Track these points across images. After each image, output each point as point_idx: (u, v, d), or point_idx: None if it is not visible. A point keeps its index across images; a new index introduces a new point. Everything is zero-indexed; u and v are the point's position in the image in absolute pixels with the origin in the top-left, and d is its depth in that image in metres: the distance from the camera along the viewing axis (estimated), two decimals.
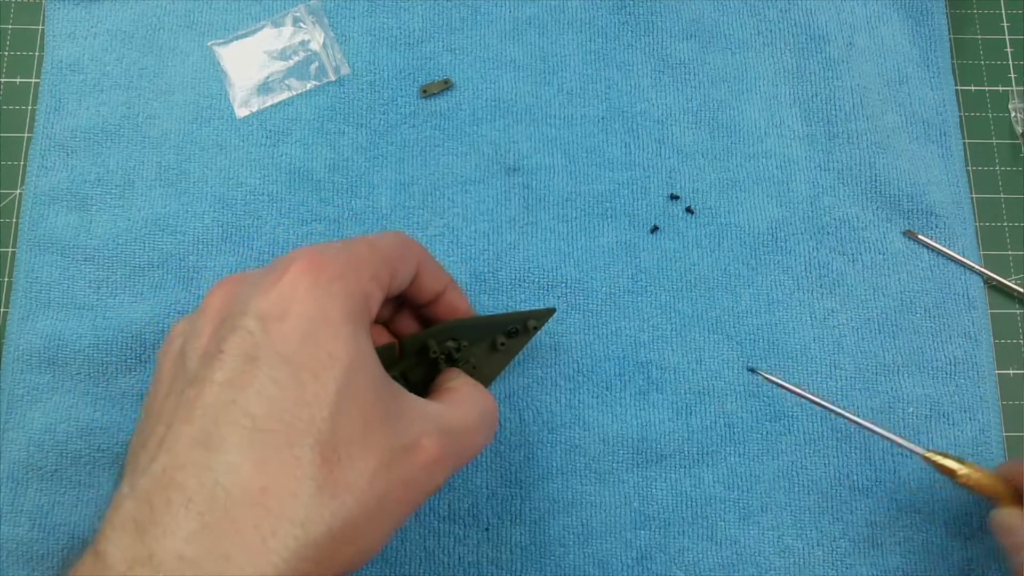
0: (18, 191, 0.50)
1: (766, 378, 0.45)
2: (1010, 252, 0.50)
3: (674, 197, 0.49)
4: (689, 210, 0.49)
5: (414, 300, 0.39)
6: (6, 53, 0.52)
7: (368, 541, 0.29)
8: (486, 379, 0.41)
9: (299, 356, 0.29)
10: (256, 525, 0.26)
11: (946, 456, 0.40)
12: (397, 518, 0.30)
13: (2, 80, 0.52)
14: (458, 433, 0.34)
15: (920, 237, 0.48)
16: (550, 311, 0.43)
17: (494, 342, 0.41)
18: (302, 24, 0.51)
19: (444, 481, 0.32)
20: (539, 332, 0.43)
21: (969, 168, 0.51)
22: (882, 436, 0.41)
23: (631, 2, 0.52)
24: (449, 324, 0.39)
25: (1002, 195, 0.51)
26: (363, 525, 0.29)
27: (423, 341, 0.39)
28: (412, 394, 0.33)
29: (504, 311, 0.45)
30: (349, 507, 0.28)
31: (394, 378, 0.34)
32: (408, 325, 0.41)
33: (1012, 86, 0.53)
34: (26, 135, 0.51)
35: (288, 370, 0.28)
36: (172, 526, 0.26)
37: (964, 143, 0.51)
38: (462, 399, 0.36)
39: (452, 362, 0.40)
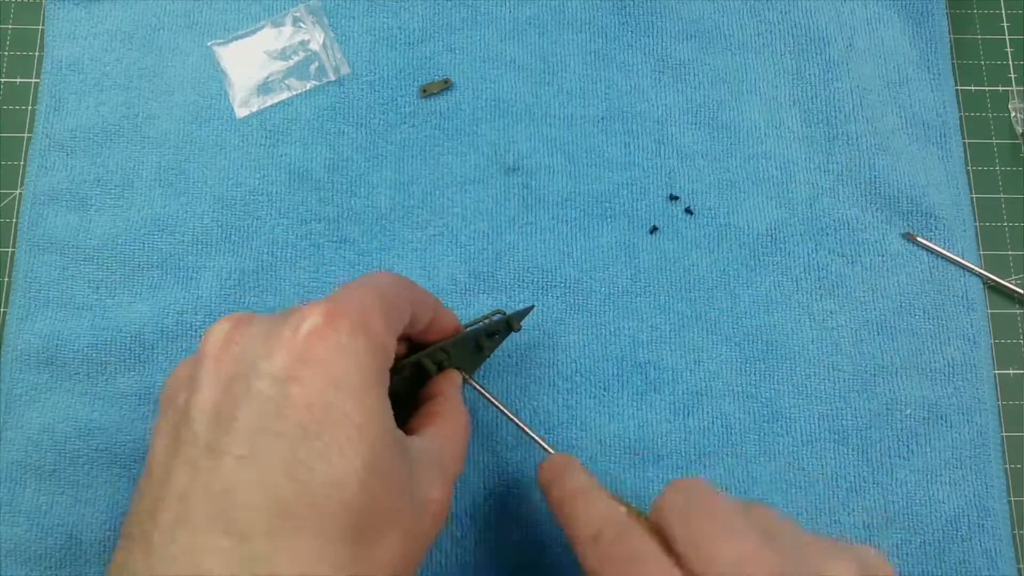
0: (18, 191, 0.50)
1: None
2: (1010, 252, 0.50)
3: (673, 198, 0.49)
4: (688, 211, 0.49)
5: (407, 331, 0.37)
6: (6, 53, 0.52)
7: None
8: (468, 373, 0.41)
9: (324, 430, 0.27)
10: None
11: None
12: (412, 574, 0.30)
13: (2, 80, 0.52)
14: (452, 468, 0.33)
15: (919, 239, 0.48)
16: (529, 308, 0.44)
17: (478, 344, 0.42)
18: (302, 24, 0.51)
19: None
20: (524, 331, 0.44)
21: (969, 168, 0.51)
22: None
23: (631, 3, 0.52)
24: (442, 344, 0.39)
25: (1002, 195, 0.51)
26: None
27: (417, 362, 0.38)
28: (413, 441, 0.32)
29: (495, 309, 0.45)
30: None
31: None
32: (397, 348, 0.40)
33: (1012, 86, 0.53)
34: (26, 135, 0.51)
35: (315, 446, 0.26)
36: None
37: (964, 143, 0.51)
38: (450, 425, 0.35)
39: (440, 369, 0.40)
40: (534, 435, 0.41)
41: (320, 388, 0.27)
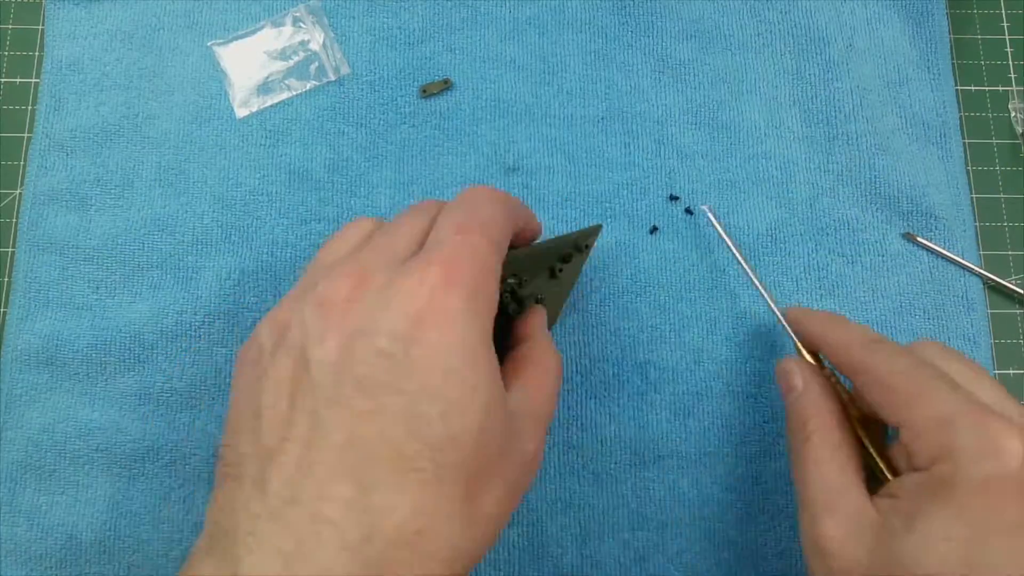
0: (18, 191, 0.50)
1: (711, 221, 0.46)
2: (1010, 252, 0.50)
3: (673, 198, 0.49)
4: (688, 211, 0.49)
5: None
6: (6, 53, 0.52)
7: (484, 553, 0.30)
8: (553, 313, 0.41)
9: (445, 390, 0.28)
10: (408, 564, 0.26)
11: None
12: (505, 526, 0.31)
13: (2, 80, 0.52)
14: (545, 418, 0.34)
15: (919, 239, 0.48)
16: (596, 227, 0.42)
17: (552, 270, 0.41)
18: (302, 24, 0.51)
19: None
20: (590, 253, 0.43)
21: (969, 168, 0.51)
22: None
23: (631, 3, 0.52)
24: (513, 270, 0.38)
25: (1002, 195, 0.51)
26: (490, 544, 0.29)
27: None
28: (511, 394, 0.32)
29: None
30: (488, 536, 0.29)
31: None
32: None
33: (1012, 86, 0.53)
34: (26, 135, 0.51)
35: (437, 407, 0.28)
36: (326, 563, 0.26)
37: (964, 143, 0.51)
38: (541, 373, 0.35)
39: (519, 302, 0.39)
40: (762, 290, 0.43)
41: (440, 351, 0.28)
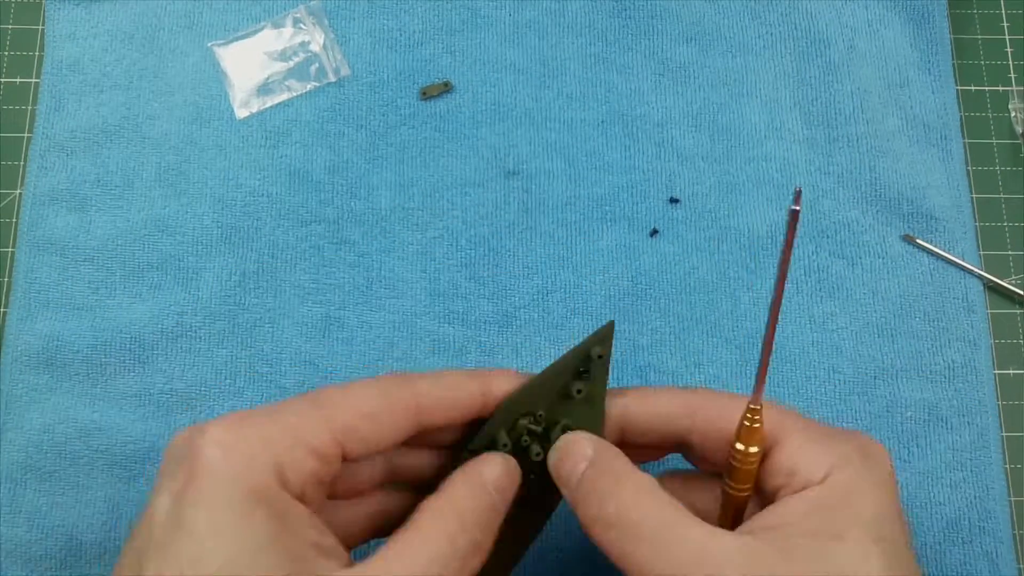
0: (18, 191, 0.50)
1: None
2: (1010, 252, 0.50)
3: (674, 200, 0.49)
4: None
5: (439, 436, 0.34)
6: (6, 53, 0.52)
7: None
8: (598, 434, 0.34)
9: None
10: None
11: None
12: None
13: (2, 80, 0.52)
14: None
15: (919, 241, 0.48)
16: (608, 327, 0.35)
17: (568, 394, 0.34)
18: (302, 25, 0.51)
19: None
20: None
21: (969, 168, 0.51)
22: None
23: (631, 5, 0.52)
24: (502, 406, 0.33)
25: (1002, 195, 0.51)
26: None
27: (490, 441, 0.33)
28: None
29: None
30: None
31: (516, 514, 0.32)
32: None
33: (1012, 86, 0.53)
34: (26, 135, 0.51)
35: None
36: None
37: (964, 143, 0.51)
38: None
39: (541, 441, 0.34)
40: None
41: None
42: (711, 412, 0.33)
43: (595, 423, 0.34)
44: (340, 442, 0.30)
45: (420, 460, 0.35)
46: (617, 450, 0.32)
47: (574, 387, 0.34)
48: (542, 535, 0.37)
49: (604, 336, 0.34)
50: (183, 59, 0.51)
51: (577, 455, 0.32)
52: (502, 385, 0.34)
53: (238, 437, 0.28)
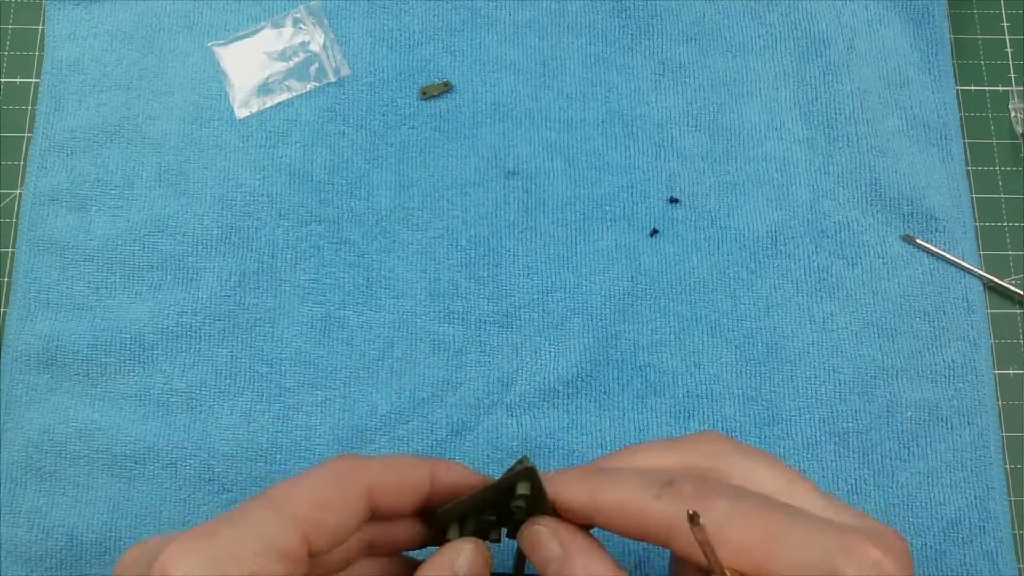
0: (18, 191, 0.50)
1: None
2: (1010, 252, 0.50)
3: (674, 200, 0.49)
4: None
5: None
6: (6, 53, 0.52)
7: None
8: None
9: None
10: None
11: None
12: None
13: (2, 80, 0.52)
14: None
15: (919, 241, 0.48)
16: (526, 470, 0.31)
17: (508, 514, 0.33)
18: (302, 25, 0.51)
19: None
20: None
21: (969, 168, 0.51)
22: None
23: (631, 5, 0.52)
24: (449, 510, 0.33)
25: (1002, 195, 0.51)
26: None
27: (455, 518, 0.32)
28: None
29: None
30: None
31: None
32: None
33: (1012, 86, 0.53)
34: (26, 135, 0.51)
35: None
36: None
37: (964, 143, 0.51)
38: None
39: (507, 521, 0.33)
40: None
41: None
42: (610, 497, 0.31)
43: (544, 505, 0.32)
44: (307, 539, 0.29)
45: (393, 528, 0.34)
46: (587, 542, 0.31)
47: (512, 505, 0.32)
48: None
49: (521, 476, 0.31)
50: (183, 59, 0.51)
51: (547, 553, 0.31)
52: (450, 474, 0.33)
53: (208, 560, 0.28)
